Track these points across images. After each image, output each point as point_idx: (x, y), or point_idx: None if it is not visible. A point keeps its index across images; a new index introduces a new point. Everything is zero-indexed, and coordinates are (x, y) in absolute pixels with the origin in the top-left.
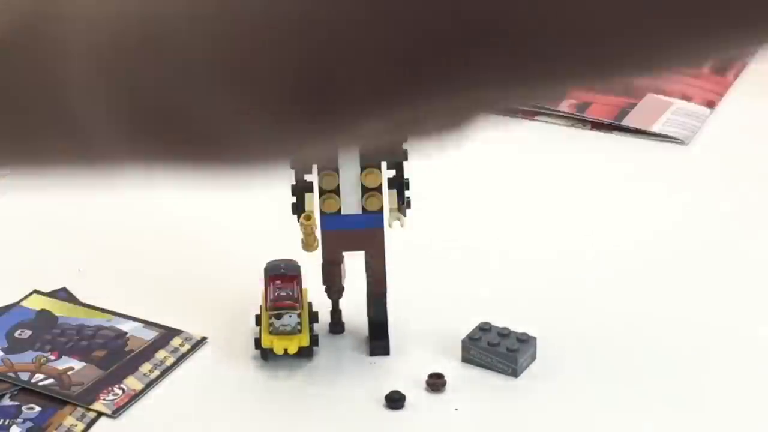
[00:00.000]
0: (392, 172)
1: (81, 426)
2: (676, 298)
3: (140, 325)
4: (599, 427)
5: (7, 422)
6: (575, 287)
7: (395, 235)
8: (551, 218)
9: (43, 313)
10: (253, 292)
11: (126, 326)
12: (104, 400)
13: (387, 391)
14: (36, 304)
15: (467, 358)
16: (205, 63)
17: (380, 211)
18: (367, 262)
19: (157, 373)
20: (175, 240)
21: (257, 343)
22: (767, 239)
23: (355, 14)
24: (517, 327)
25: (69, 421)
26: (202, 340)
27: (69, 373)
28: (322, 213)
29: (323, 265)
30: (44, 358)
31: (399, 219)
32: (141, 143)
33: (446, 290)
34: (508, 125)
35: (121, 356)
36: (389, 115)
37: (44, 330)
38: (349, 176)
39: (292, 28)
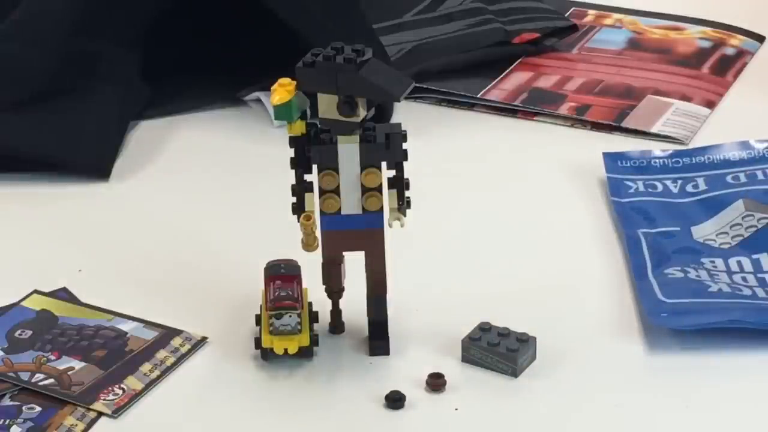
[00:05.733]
0: (392, 172)
1: (81, 426)
2: None
3: (140, 325)
4: (599, 427)
5: (7, 422)
6: (576, 287)
7: (395, 235)
8: (552, 218)
9: (43, 313)
10: (253, 292)
11: (126, 326)
12: (104, 400)
13: (387, 391)
14: (36, 304)
15: (467, 358)
16: None
17: (380, 211)
18: (367, 262)
19: (157, 373)
20: (176, 240)
21: (257, 343)
22: None
23: None
24: (517, 327)
25: (69, 421)
26: (202, 340)
27: (69, 373)
28: (322, 213)
29: (323, 265)
30: (44, 358)
31: (399, 219)
32: None
33: (446, 290)
34: (508, 125)
35: (122, 356)
36: None
37: (44, 330)
38: (349, 176)
39: None
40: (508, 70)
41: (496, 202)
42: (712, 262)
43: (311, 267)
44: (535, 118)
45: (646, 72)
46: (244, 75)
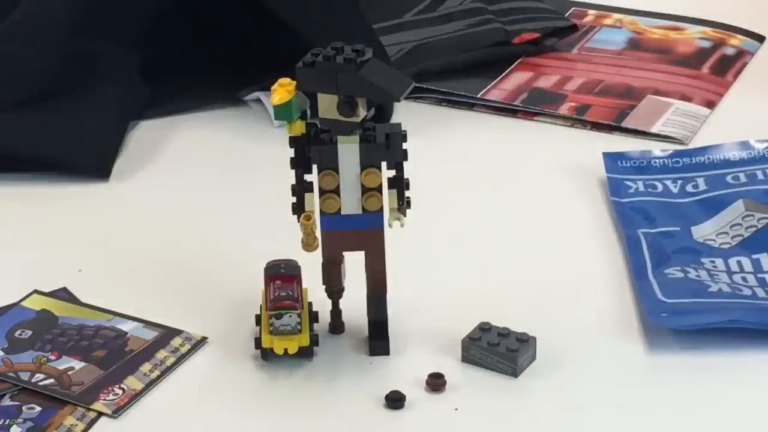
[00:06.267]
0: (392, 172)
1: (81, 426)
2: None
3: (140, 325)
4: (599, 427)
5: (7, 422)
6: (576, 287)
7: (395, 235)
8: (552, 218)
9: (43, 313)
10: (253, 292)
11: (126, 326)
12: (104, 399)
13: (387, 391)
14: (36, 304)
15: (467, 358)
16: None
17: (380, 211)
18: (367, 262)
19: (157, 373)
20: (176, 240)
21: (257, 343)
22: None
23: None
24: (517, 327)
25: (69, 421)
26: (202, 340)
27: (69, 373)
28: (322, 213)
29: (323, 265)
30: (44, 358)
31: (399, 219)
32: None
33: (446, 290)
34: (508, 125)
35: (122, 356)
36: None
37: (44, 330)
38: (349, 176)
39: None
40: (508, 70)
41: (496, 202)
42: (712, 262)
43: (311, 267)
44: (535, 118)
45: (646, 72)
46: (244, 75)
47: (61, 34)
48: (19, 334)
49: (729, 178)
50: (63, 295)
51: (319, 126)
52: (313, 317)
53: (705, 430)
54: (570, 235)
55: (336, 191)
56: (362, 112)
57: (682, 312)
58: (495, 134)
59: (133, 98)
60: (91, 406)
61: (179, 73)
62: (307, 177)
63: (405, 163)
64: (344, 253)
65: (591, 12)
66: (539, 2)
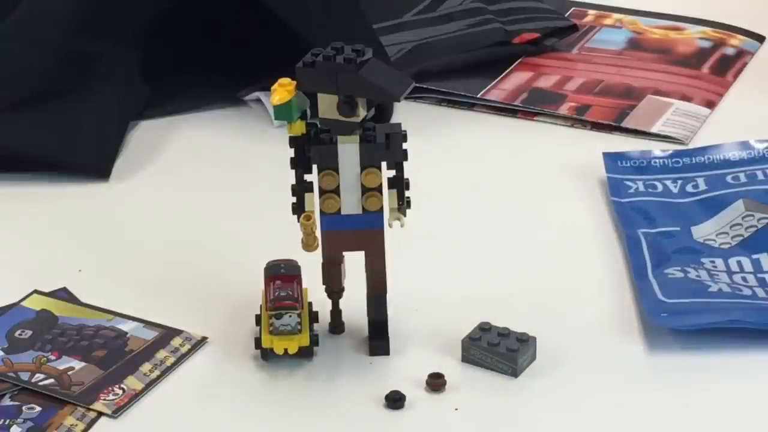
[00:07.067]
0: (392, 172)
1: (81, 426)
2: None
3: (140, 325)
4: (599, 427)
5: (7, 422)
6: (576, 287)
7: (395, 235)
8: (552, 218)
9: (43, 313)
10: (253, 292)
11: (126, 326)
12: (104, 399)
13: (387, 391)
14: (36, 304)
15: (467, 358)
16: None
17: (380, 211)
18: (367, 262)
19: (157, 373)
20: (176, 240)
21: (257, 343)
22: None
23: None
24: (517, 327)
25: (69, 421)
26: (202, 340)
27: (69, 373)
28: (322, 213)
29: (323, 265)
30: (44, 358)
31: (399, 219)
32: None
33: (446, 290)
34: (508, 125)
35: (122, 356)
36: None
37: (44, 330)
38: (349, 176)
39: None
40: (508, 70)
41: (496, 202)
42: (712, 262)
43: (311, 267)
44: (535, 118)
45: (646, 72)
46: (244, 75)
47: (61, 34)
48: (19, 334)
49: (729, 178)
50: (63, 295)
51: (319, 126)
52: (313, 317)
53: (705, 430)
54: (570, 235)
55: (336, 191)
56: (362, 112)
57: (682, 312)
58: (495, 134)
59: (133, 98)
60: (91, 406)
61: (179, 73)
62: (307, 177)
63: (405, 163)
64: (344, 253)
65: (591, 12)
66: (539, 2)
